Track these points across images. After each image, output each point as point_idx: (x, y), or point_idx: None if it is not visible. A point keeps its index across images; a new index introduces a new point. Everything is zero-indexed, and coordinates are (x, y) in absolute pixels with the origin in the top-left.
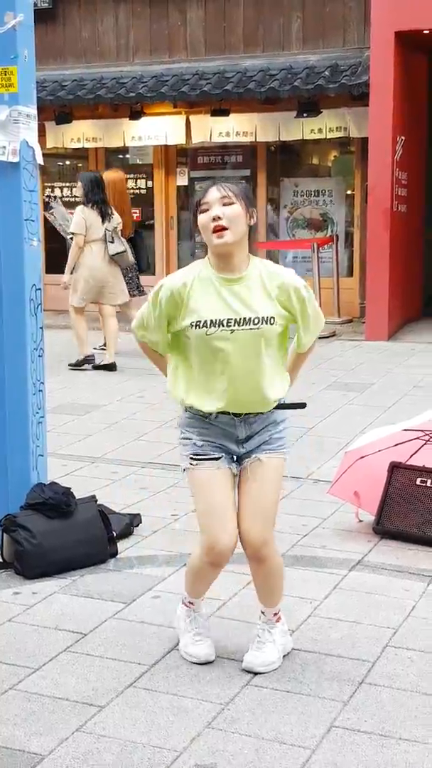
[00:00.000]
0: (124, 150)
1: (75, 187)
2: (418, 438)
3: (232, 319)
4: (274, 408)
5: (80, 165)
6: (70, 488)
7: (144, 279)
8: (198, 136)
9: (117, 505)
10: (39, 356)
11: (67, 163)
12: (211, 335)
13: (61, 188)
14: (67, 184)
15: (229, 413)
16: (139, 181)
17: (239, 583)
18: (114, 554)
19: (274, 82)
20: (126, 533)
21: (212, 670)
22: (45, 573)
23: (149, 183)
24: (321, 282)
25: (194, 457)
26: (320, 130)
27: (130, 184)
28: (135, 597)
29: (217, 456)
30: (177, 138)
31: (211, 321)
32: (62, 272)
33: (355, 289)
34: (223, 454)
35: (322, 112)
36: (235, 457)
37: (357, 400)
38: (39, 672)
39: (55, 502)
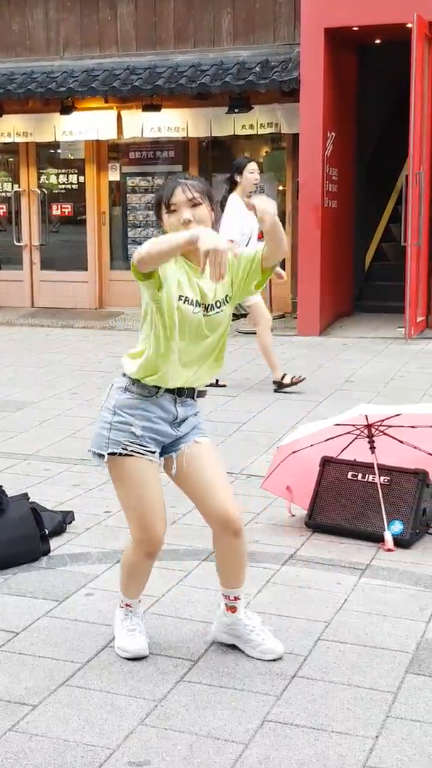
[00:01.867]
0: (56, 145)
1: (6, 181)
2: (349, 432)
3: (208, 303)
4: (200, 394)
5: (11, 159)
6: (1, 486)
7: (76, 275)
8: (129, 132)
9: (49, 503)
10: None
11: None
12: (194, 313)
13: None
14: None
15: (173, 391)
16: (70, 176)
17: (172, 580)
18: (46, 552)
19: (205, 77)
20: (58, 531)
21: (146, 667)
22: None
23: (81, 178)
24: None
25: (131, 444)
26: (251, 126)
27: (62, 179)
28: (68, 595)
29: (152, 450)
30: (108, 133)
31: (192, 300)
32: None
33: (287, 285)
34: (157, 449)
35: (253, 107)
36: (161, 447)
37: (289, 395)
38: None
39: None
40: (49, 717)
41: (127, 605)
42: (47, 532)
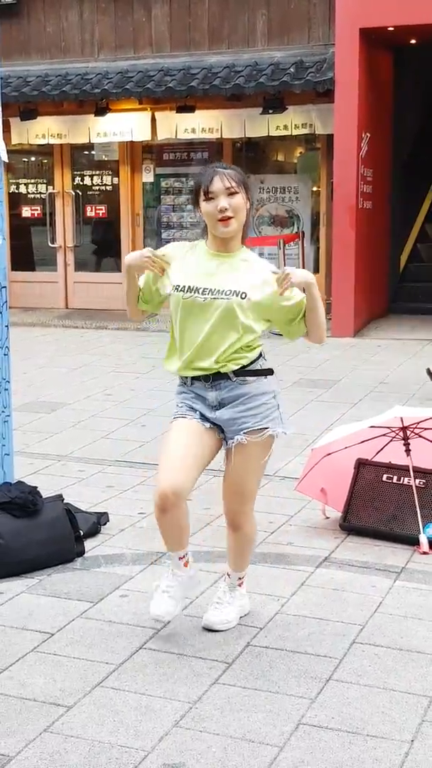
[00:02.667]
0: (90, 146)
1: (40, 182)
2: (384, 435)
3: (207, 288)
4: (240, 376)
5: (45, 161)
6: (36, 487)
7: (110, 276)
8: (163, 133)
9: (84, 504)
10: (5, 355)
11: (33, 159)
12: (188, 299)
13: (26, 185)
14: (33, 181)
15: (200, 378)
16: (104, 177)
17: (207, 582)
18: (81, 553)
19: (240, 78)
20: (93, 532)
21: (180, 669)
22: (12, 572)
23: (115, 180)
24: None
25: (175, 416)
26: (285, 127)
27: (96, 180)
28: (102, 596)
29: (191, 413)
30: (142, 134)
31: (189, 287)
32: (30, 269)
33: (321, 286)
34: (197, 413)
35: (287, 108)
36: (214, 423)
37: (323, 397)
38: (6, 672)
39: (22, 502)
40: (84, 718)
41: (170, 558)
42: (82, 533)
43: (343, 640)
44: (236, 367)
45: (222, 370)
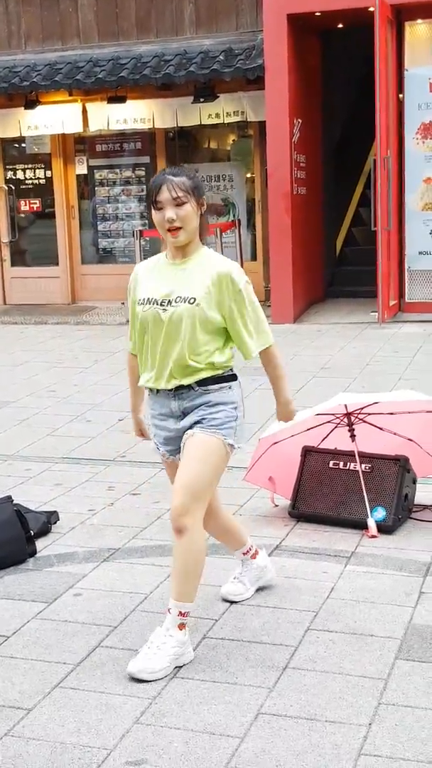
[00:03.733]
0: (21, 140)
1: None
2: (329, 422)
3: (164, 299)
4: (202, 386)
5: None
6: None
7: (48, 270)
8: (95, 124)
9: (33, 503)
10: None
11: None
12: (147, 312)
13: None
14: None
15: (165, 388)
16: (37, 171)
17: (161, 576)
18: (33, 553)
19: (170, 67)
20: (44, 531)
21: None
22: None
23: (48, 173)
24: None
25: (155, 443)
26: (217, 115)
27: (29, 174)
28: (56, 596)
29: (163, 449)
30: (74, 126)
31: (148, 299)
32: None
33: (260, 273)
34: (162, 448)
35: (218, 96)
36: (179, 443)
37: (266, 385)
38: None
39: None
40: (45, 720)
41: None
42: (33, 534)
43: (298, 627)
44: (197, 378)
45: (184, 383)
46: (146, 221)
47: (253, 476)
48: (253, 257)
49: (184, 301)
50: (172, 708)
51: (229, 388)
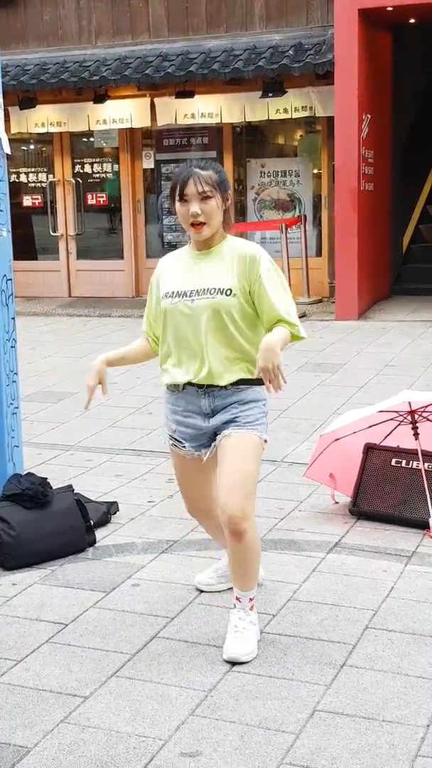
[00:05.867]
0: (89, 134)
1: (41, 171)
2: (392, 419)
3: (193, 290)
4: (234, 385)
5: (45, 150)
6: (46, 478)
7: (113, 264)
8: (163, 119)
9: (93, 493)
10: (12, 347)
11: (32, 148)
12: (175, 305)
13: (27, 174)
14: (33, 170)
15: (193, 384)
16: (104, 165)
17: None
18: (92, 543)
19: (239, 62)
20: (103, 521)
21: (195, 658)
22: (24, 564)
23: (115, 167)
24: (290, 263)
25: (170, 436)
26: (286, 110)
27: (96, 168)
28: (115, 585)
29: (186, 445)
30: (142, 121)
31: (176, 292)
32: (33, 258)
33: (324, 269)
34: (188, 444)
35: (287, 91)
36: (206, 439)
37: (329, 381)
38: (21, 664)
39: (33, 493)
40: (101, 708)
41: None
42: (92, 523)
43: (356, 625)
44: (233, 379)
45: (218, 383)
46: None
47: (313, 472)
48: (318, 253)
49: (220, 293)
50: (227, 701)
51: (259, 384)
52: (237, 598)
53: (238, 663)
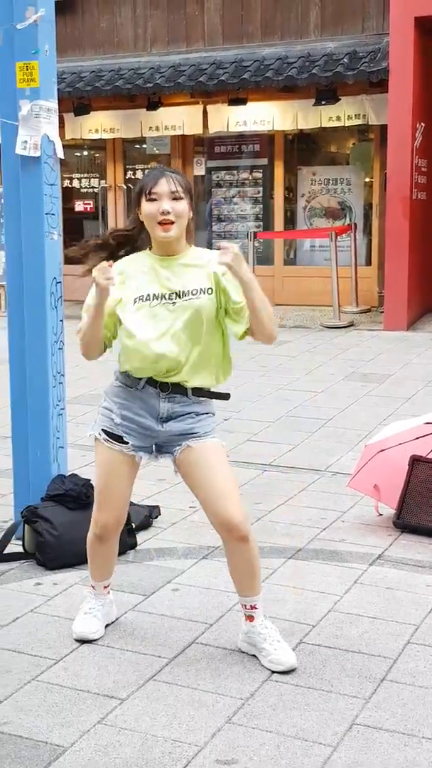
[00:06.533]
0: (142, 140)
1: (93, 177)
2: None
3: (173, 293)
4: (197, 394)
5: (98, 156)
6: (89, 480)
7: None
8: (215, 126)
9: (135, 497)
10: (59, 349)
11: (85, 153)
12: (154, 308)
13: (79, 179)
14: (86, 175)
15: (156, 384)
16: None
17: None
18: (133, 546)
19: (292, 70)
20: (145, 525)
21: (233, 665)
22: (66, 564)
23: None
24: (339, 271)
25: (106, 431)
26: (338, 118)
27: None
28: (154, 589)
29: (129, 441)
30: (194, 128)
31: (152, 295)
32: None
33: (374, 278)
34: (131, 441)
35: (340, 99)
36: (153, 445)
37: (375, 391)
38: (60, 663)
39: (76, 494)
40: (137, 711)
41: (91, 586)
42: (134, 527)
43: (398, 639)
44: (197, 384)
45: (185, 384)
46: (260, 223)
47: (357, 483)
48: (368, 262)
49: (202, 293)
50: (264, 710)
51: (211, 401)
52: (252, 607)
53: (285, 672)
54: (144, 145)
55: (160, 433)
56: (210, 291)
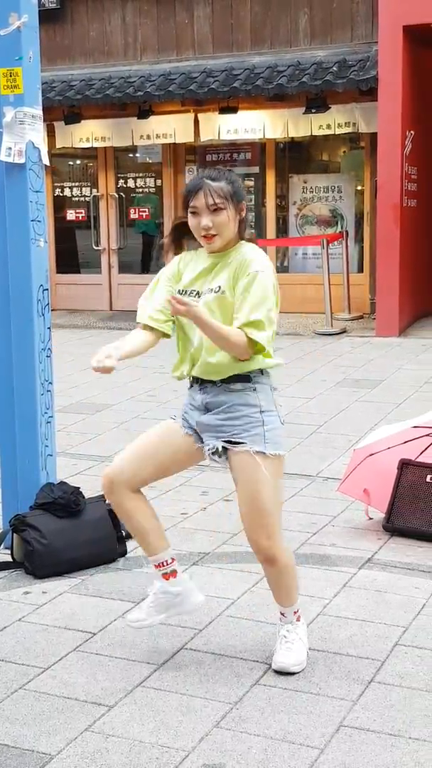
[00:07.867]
0: (133, 149)
1: (85, 186)
2: (427, 435)
3: (197, 290)
4: (225, 382)
5: (89, 164)
6: (79, 488)
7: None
8: (206, 134)
9: None
10: (47, 356)
11: (77, 162)
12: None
13: (71, 188)
14: (77, 184)
15: (193, 377)
16: (147, 179)
17: (248, 582)
18: (123, 553)
19: (282, 78)
20: None
21: (221, 670)
22: (55, 572)
23: (158, 182)
24: (331, 278)
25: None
26: (329, 126)
27: (139, 183)
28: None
29: (179, 420)
30: (185, 136)
31: (186, 290)
32: (75, 272)
33: (365, 285)
34: (183, 422)
35: (330, 107)
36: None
37: (367, 397)
38: (48, 671)
39: (65, 502)
40: (125, 718)
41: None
42: (124, 534)
43: (386, 642)
44: (224, 376)
45: (211, 377)
46: (253, 231)
47: (347, 487)
48: (360, 269)
49: (212, 291)
50: (252, 714)
51: (254, 389)
52: (282, 614)
53: (288, 673)
54: (135, 154)
55: (200, 424)
56: (218, 289)
